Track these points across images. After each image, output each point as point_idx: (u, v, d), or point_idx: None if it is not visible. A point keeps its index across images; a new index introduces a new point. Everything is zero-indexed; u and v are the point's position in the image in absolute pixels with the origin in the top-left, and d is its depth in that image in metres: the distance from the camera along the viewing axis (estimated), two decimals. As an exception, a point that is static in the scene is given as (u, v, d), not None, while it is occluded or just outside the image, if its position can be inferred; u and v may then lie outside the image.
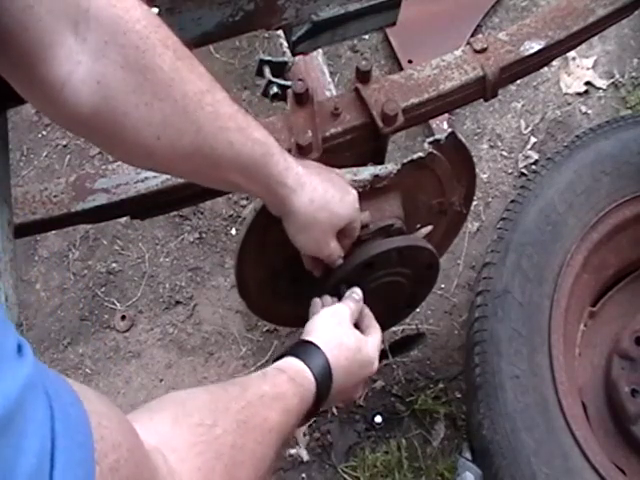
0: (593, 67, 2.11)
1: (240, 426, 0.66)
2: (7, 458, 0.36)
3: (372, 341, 0.94)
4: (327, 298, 0.99)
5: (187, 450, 0.59)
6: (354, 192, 0.95)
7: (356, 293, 0.99)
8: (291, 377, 0.78)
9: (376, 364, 0.93)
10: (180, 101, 0.74)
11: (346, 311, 0.93)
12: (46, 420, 0.39)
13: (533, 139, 2.02)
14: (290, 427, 0.75)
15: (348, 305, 0.95)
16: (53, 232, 1.96)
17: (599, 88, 2.08)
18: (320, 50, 1.37)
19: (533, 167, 1.84)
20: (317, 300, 0.98)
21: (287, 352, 0.84)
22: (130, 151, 0.78)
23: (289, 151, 0.89)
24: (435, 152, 1.11)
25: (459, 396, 1.70)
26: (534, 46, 1.21)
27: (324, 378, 0.82)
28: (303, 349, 0.84)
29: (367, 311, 0.99)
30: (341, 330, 0.89)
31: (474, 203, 1.75)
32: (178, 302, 1.90)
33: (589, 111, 2.06)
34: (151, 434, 0.55)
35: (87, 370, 1.85)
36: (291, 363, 0.81)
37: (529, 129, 2.04)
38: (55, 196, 1.07)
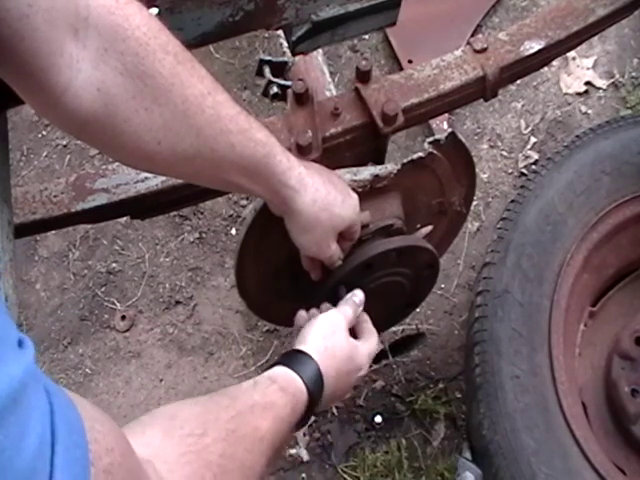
0: (593, 67, 2.11)
1: (230, 435, 0.67)
2: (15, 437, 0.36)
3: (366, 348, 0.93)
4: (325, 305, 0.98)
5: (176, 460, 0.60)
6: (355, 196, 0.95)
7: (356, 296, 0.97)
8: (282, 387, 0.78)
9: (364, 371, 0.93)
10: (180, 105, 0.74)
11: (341, 319, 0.91)
12: (46, 411, 0.40)
13: (533, 139, 2.02)
14: (282, 436, 0.75)
15: (345, 312, 0.93)
16: (53, 232, 1.97)
17: (599, 88, 2.08)
18: (320, 50, 1.36)
19: (533, 167, 1.84)
20: (302, 313, 0.96)
21: (280, 361, 0.83)
22: (131, 155, 0.78)
23: (289, 151, 0.89)
24: (435, 152, 1.11)
25: (459, 396, 1.70)
26: (534, 46, 1.21)
27: (316, 387, 0.81)
28: (295, 358, 0.83)
29: (365, 317, 0.98)
30: (334, 339, 0.88)
31: (474, 203, 1.74)
32: (178, 302, 1.90)
33: (589, 111, 2.05)
34: (143, 446, 0.57)
35: (87, 370, 1.85)
36: (283, 372, 0.81)
37: (529, 129, 2.04)
38: (55, 196, 1.07)
